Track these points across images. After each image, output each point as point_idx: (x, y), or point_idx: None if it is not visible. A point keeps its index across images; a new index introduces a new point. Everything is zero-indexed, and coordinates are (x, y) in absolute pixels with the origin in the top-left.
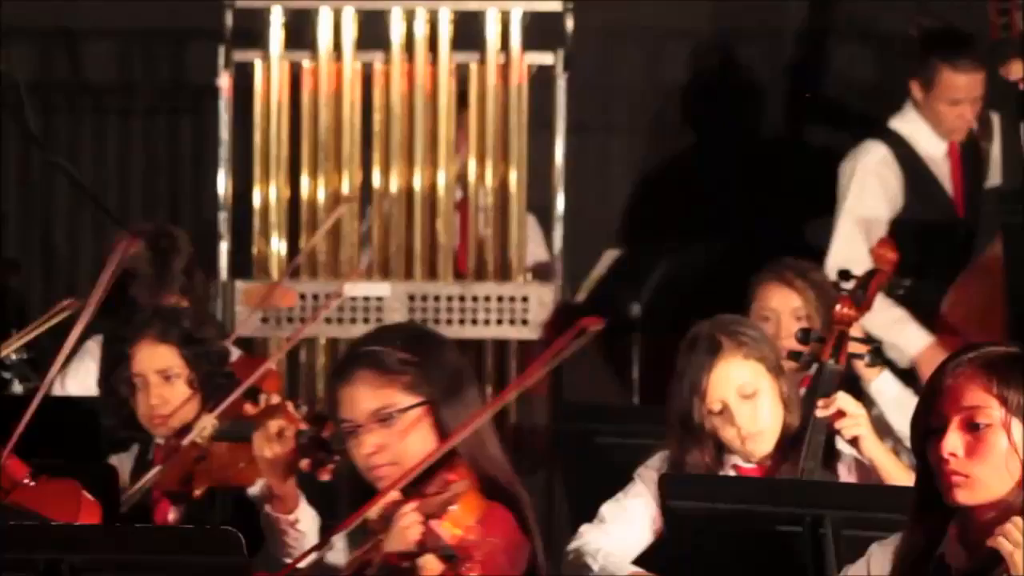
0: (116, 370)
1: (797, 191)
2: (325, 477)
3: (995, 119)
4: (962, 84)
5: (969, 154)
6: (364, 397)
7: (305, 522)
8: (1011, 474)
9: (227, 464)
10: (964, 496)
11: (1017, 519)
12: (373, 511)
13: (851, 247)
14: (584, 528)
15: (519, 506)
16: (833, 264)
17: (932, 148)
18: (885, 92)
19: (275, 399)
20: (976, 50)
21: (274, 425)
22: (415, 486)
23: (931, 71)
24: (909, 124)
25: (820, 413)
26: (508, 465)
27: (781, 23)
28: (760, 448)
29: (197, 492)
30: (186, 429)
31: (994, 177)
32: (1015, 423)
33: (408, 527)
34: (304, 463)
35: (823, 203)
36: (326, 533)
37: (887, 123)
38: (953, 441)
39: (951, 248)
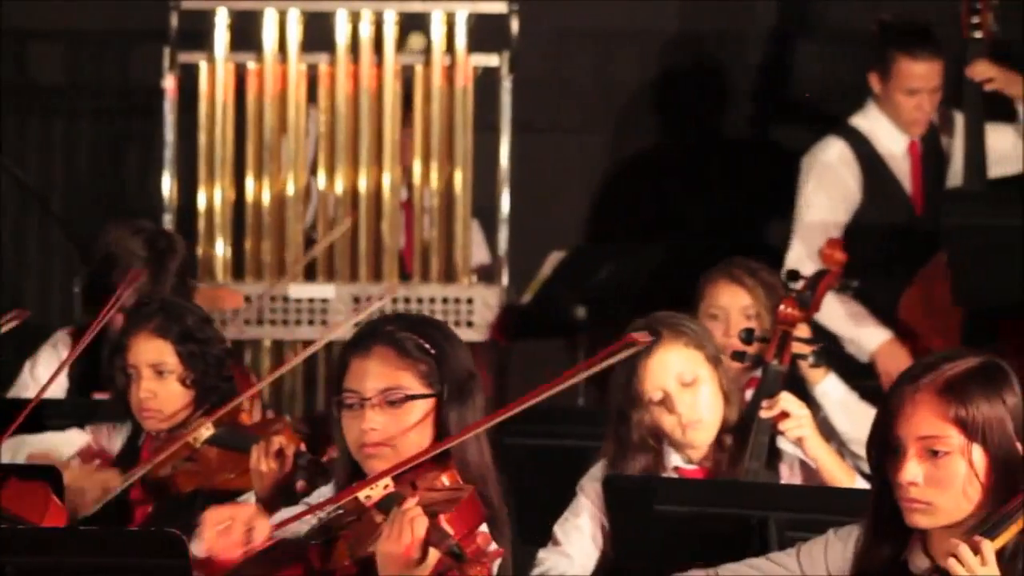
0: (114, 358)
1: (751, 191)
2: None
3: (959, 119)
4: (919, 73)
5: (930, 152)
6: (377, 373)
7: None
8: (969, 498)
9: (215, 470)
10: (924, 521)
11: (963, 546)
12: (364, 493)
13: (808, 246)
14: (543, 554)
15: (501, 525)
16: (791, 263)
17: (892, 145)
18: (849, 92)
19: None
20: (933, 41)
21: (276, 442)
22: (404, 476)
23: (888, 61)
24: (870, 120)
25: (764, 414)
26: (498, 487)
27: (731, 24)
28: (700, 438)
29: (181, 492)
30: (177, 427)
31: (955, 178)
32: (975, 447)
33: (415, 518)
34: (300, 484)
35: (780, 204)
36: (315, 505)
37: (848, 120)
38: (912, 470)
39: (908, 246)
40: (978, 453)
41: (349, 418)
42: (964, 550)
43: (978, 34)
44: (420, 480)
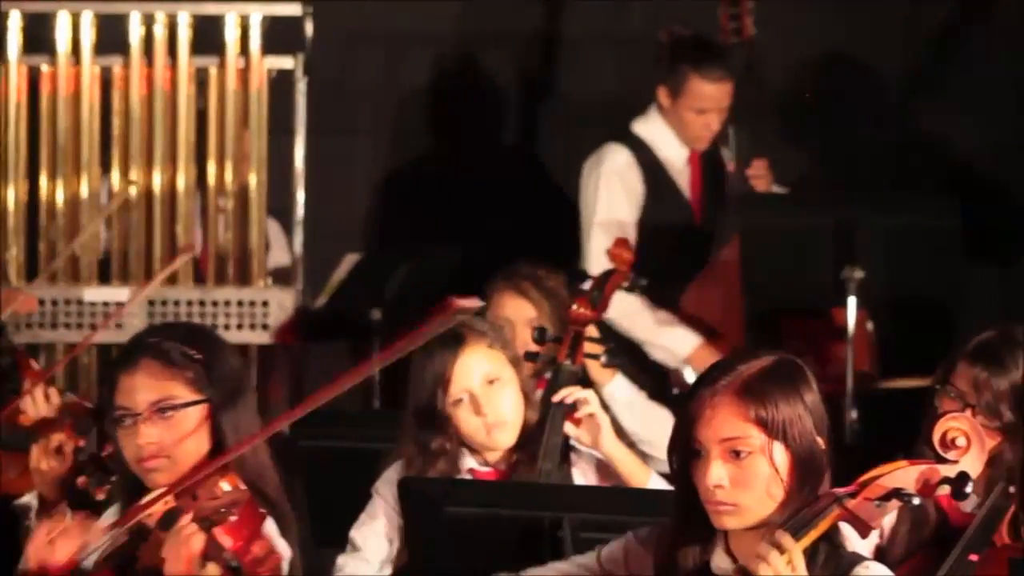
0: None
1: (537, 196)
2: (100, 496)
3: (730, 130)
4: (710, 93)
5: (708, 163)
6: (145, 386)
7: None
8: (773, 497)
9: None
10: (732, 522)
11: (765, 546)
12: (145, 514)
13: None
14: (341, 560)
15: (285, 521)
16: (593, 264)
17: (673, 154)
18: (627, 97)
19: (55, 399)
20: (724, 59)
21: (55, 439)
22: (186, 488)
23: (680, 78)
24: (652, 128)
25: (556, 398)
26: (277, 478)
27: (522, 27)
28: (504, 440)
29: None
30: None
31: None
32: (776, 445)
33: (190, 536)
34: (81, 480)
35: (563, 208)
36: (107, 530)
37: (630, 126)
38: (717, 472)
39: (688, 252)
40: (780, 451)
41: (124, 435)
42: (767, 549)
43: (739, 39)
44: (200, 490)
